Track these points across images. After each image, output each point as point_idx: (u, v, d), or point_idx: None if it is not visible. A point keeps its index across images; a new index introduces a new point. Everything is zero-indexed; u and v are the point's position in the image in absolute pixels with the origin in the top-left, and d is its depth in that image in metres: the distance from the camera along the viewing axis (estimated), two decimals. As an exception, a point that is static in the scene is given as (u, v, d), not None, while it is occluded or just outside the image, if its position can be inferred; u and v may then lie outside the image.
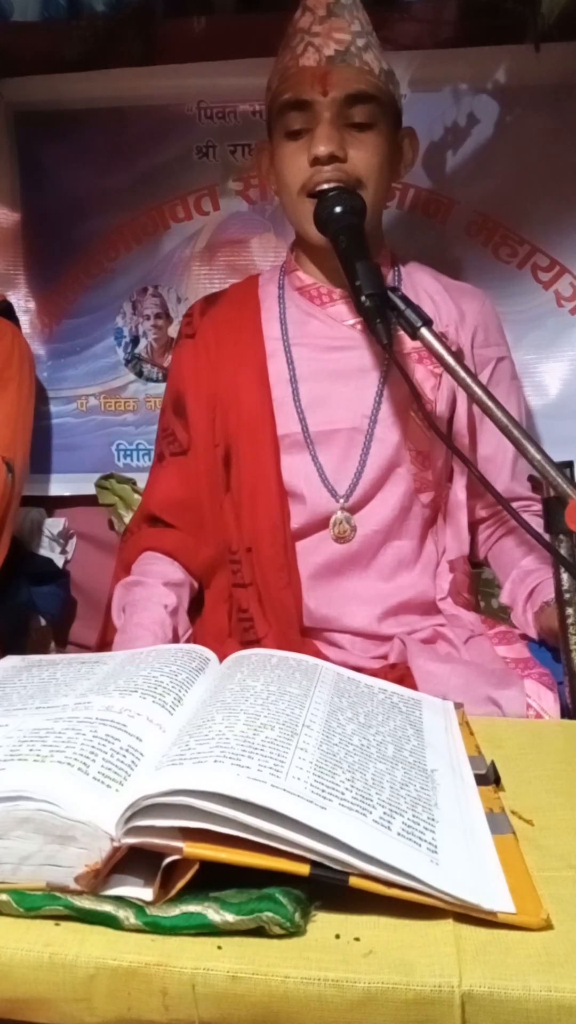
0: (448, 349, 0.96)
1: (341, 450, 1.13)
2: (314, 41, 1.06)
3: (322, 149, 1.04)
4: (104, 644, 1.15)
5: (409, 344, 1.11)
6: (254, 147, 1.41)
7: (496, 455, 1.18)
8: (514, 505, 1.13)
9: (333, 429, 1.13)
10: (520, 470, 1.20)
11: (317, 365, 1.14)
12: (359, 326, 1.13)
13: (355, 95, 1.05)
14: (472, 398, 0.96)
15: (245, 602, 1.13)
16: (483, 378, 1.16)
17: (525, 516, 1.11)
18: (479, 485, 1.14)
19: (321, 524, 1.13)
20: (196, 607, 1.21)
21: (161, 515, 1.20)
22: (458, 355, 0.99)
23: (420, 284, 1.19)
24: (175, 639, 1.09)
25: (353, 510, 1.13)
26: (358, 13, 1.08)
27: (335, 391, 1.13)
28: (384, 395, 1.13)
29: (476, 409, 1.16)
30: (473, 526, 1.21)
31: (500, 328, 1.22)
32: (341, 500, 1.12)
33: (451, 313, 1.16)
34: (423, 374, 1.13)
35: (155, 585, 1.13)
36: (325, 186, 1.05)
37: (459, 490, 1.16)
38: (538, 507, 1.15)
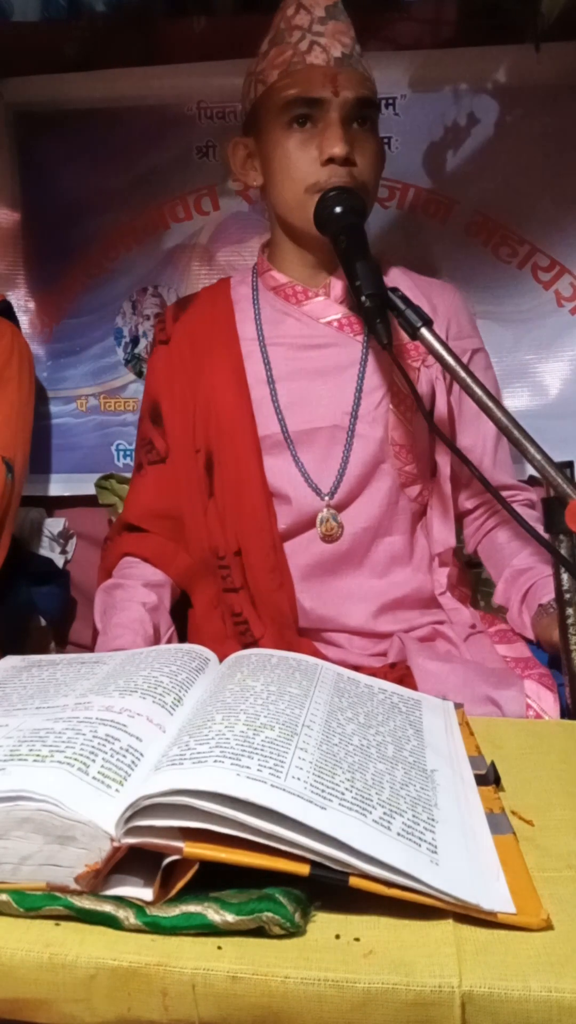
0: (448, 349, 0.96)
1: (323, 448, 1.12)
2: (319, 40, 1.06)
3: (339, 150, 1.03)
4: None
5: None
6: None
7: (476, 445, 1.18)
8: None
9: (313, 428, 1.12)
10: (501, 459, 1.20)
11: (294, 364, 1.14)
12: (335, 323, 1.13)
13: (362, 99, 1.06)
14: (472, 398, 0.95)
15: (238, 606, 1.13)
16: None
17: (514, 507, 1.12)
18: (463, 476, 1.15)
19: (308, 524, 1.12)
20: (189, 610, 1.21)
21: (140, 524, 1.19)
22: (455, 356, 0.99)
23: (391, 281, 1.18)
24: (156, 636, 1.09)
25: (339, 508, 1.12)
26: (350, 27, 1.08)
27: (314, 389, 1.13)
28: (363, 391, 1.12)
29: (454, 399, 1.16)
30: (461, 518, 1.20)
31: (472, 320, 1.23)
32: (326, 498, 1.12)
33: (423, 308, 1.16)
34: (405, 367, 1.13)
35: (134, 587, 1.13)
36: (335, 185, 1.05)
37: (444, 482, 1.16)
38: (524, 496, 1.16)
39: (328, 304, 1.14)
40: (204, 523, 1.16)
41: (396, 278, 1.19)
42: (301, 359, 1.14)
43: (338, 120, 1.05)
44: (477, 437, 1.18)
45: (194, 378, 1.17)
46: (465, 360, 1.18)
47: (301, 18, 1.08)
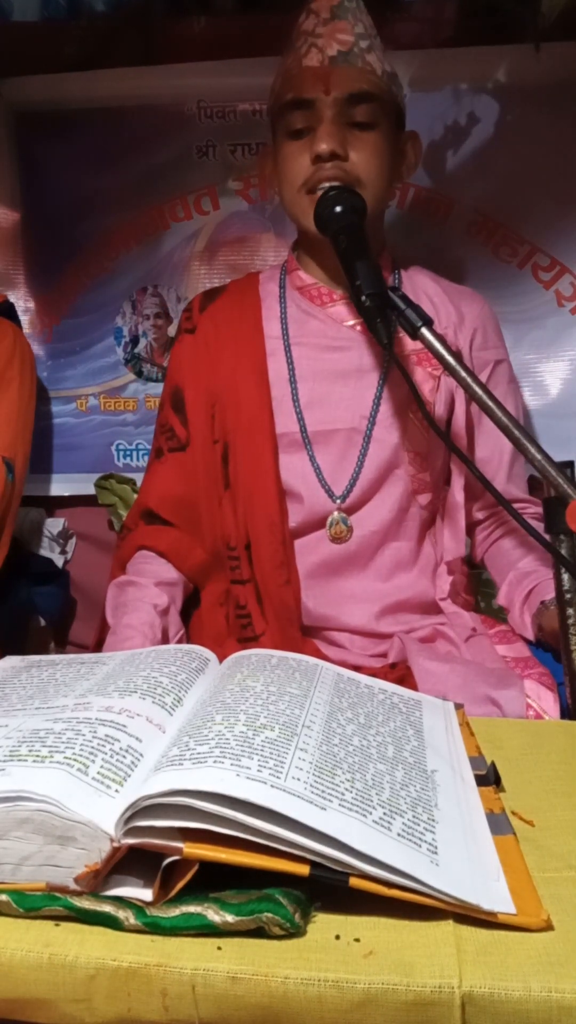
0: (448, 349, 0.96)
1: (339, 450, 1.13)
2: (317, 42, 1.07)
3: (324, 147, 1.04)
4: (100, 642, 1.15)
5: (409, 346, 1.11)
6: (258, 153, 1.41)
7: (492, 458, 1.19)
8: None
9: (331, 429, 1.13)
10: (516, 473, 1.20)
11: (317, 365, 1.14)
12: (359, 327, 1.13)
13: (357, 95, 1.05)
14: (472, 398, 0.96)
15: (243, 599, 1.14)
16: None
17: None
18: (477, 487, 1.15)
19: (318, 524, 1.13)
20: (193, 608, 1.21)
21: (159, 511, 1.20)
22: (457, 356, 0.99)
23: (420, 286, 1.19)
24: (165, 640, 1.10)
25: (350, 511, 1.13)
26: (361, 16, 1.08)
27: (334, 391, 1.13)
28: (383, 396, 1.13)
29: (474, 411, 1.16)
30: (470, 528, 1.21)
31: (499, 331, 1.23)
32: (338, 500, 1.12)
33: (450, 315, 1.17)
34: (422, 376, 1.13)
35: (147, 585, 1.13)
36: (326, 184, 1.05)
37: (457, 492, 1.16)
38: (534, 510, 1.16)
39: (351, 307, 1.14)
40: (219, 513, 1.16)
41: (425, 284, 1.19)
42: (323, 360, 1.14)
43: (331, 118, 1.05)
44: (495, 450, 1.18)
45: (217, 370, 1.17)
46: (488, 371, 1.18)
47: (309, 23, 1.08)
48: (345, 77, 1.05)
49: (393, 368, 1.11)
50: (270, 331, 1.17)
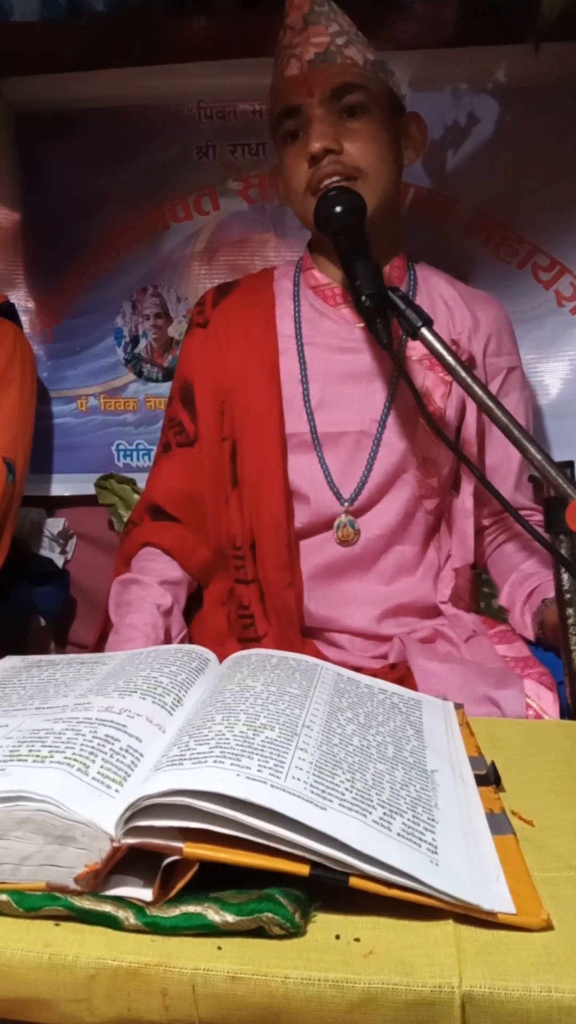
0: (449, 349, 0.96)
1: (348, 453, 1.12)
2: (295, 52, 1.08)
3: (316, 146, 1.04)
4: (102, 638, 1.15)
5: (421, 350, 1.11)
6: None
7: (501, 465, 1.18)
8: None
9: (341, 431, 1.12)
10: (525, 482, 1.20)
11: (328, 366, 1.14)
12: None
13: (341, 88, 1.06)
14: (472, 398, 0.96)
15: (247, 599, 1.13)
16: (493, 387, 1.16)
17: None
18: (484, 493, 1.14)
19: (325, 526, 1.13)
20: (195, 607, 1.21)
21: (165, 506, 1.19)
22: (469, 362, 0.98)
23: (436, 289, 1.18)
24: (168, 640, 1.09)
25: (357, 513, 1.12)
26: (336, 17, 1.08)
27: (345, 393, 1.13)
28: (394, 400, 1.12)
29: (485, 419, 1.16)
30: (475, 534, 1.21)
31: (513, 337, 1.22)
32: (346, 503, 1.12)
33: (465, 320, 1.16)
34: (433, 381, 1.12)
35: (151, 584, 1.13)
36: (327, 181, 1.05)
37: (466, 498, 1.15)
38: (539, 518, 1.16)
39: None
40: (225, 511, 1.16)
41: (441, 287, 1.19)
42: (335, 361, 1.14)
43: (319, 117, 1.05)
44: (504, 458, 1.18)
45: (227, 366, 1.17)
46: (500, 378, 1.18)
47: (287, 38, 1.09)
48: (326, 75, 1.06)
49: (407, 371, 1.11)
50: (283, 329, 1.16)
